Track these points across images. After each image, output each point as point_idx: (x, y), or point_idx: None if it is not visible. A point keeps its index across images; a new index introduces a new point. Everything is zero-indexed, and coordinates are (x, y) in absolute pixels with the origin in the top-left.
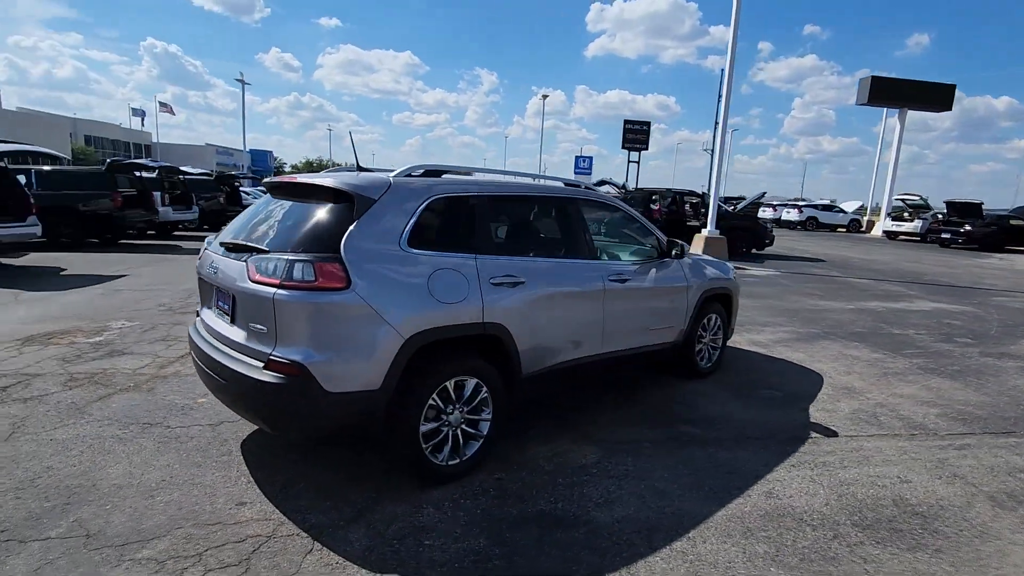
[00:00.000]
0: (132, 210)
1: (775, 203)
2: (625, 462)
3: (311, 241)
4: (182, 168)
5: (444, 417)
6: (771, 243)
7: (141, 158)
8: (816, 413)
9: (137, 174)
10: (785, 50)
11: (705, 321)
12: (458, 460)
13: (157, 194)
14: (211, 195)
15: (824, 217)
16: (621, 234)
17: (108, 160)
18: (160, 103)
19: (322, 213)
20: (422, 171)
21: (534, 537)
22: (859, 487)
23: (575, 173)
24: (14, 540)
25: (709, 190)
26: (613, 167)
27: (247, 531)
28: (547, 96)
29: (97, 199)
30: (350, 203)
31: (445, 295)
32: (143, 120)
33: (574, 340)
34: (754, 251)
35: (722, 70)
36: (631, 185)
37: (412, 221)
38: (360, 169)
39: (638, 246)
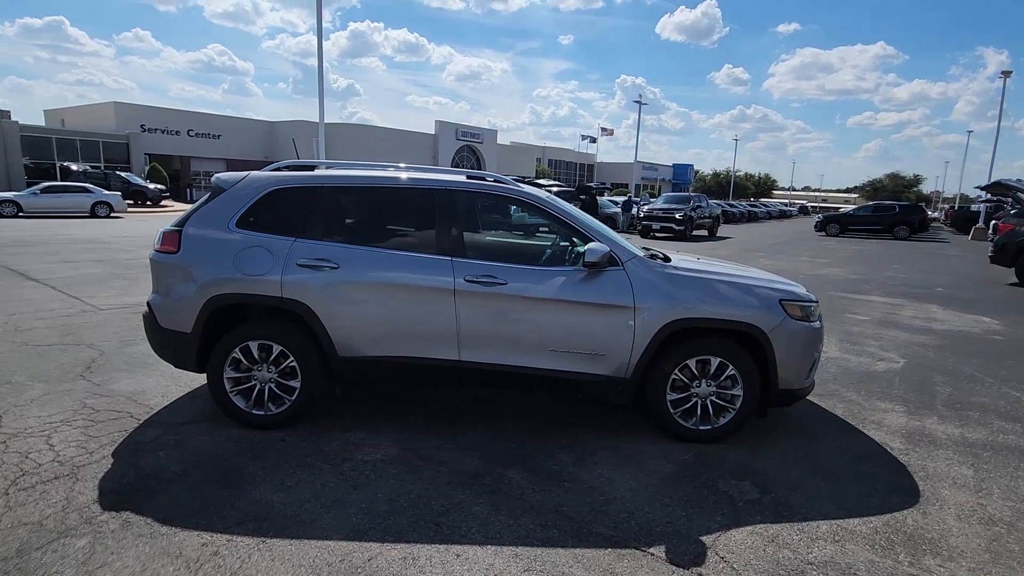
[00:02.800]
0: None
1: None
2: (384, 471)
3: (184, 218)
4: (538, 182)
5: (252, 371)
6: None
7: (587, 177)
8: (741, 537)
9: None
10: None
11: (697, 364)
12: (263, 413)
13: None
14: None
15: None
16: (560, 234)
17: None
18: (602, 128)
19: (207, 199)
20: (287, 166)
21: (197, 481)
22: None
23: None
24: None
25: None
26: None
27: (124, 408)
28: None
29: None
30: (212, 191)
31: (247, 269)
32: (593, 143)
33: (413, 337)
34: None
35: None
36: None
37: (245, 207)
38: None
39: (569, 250)
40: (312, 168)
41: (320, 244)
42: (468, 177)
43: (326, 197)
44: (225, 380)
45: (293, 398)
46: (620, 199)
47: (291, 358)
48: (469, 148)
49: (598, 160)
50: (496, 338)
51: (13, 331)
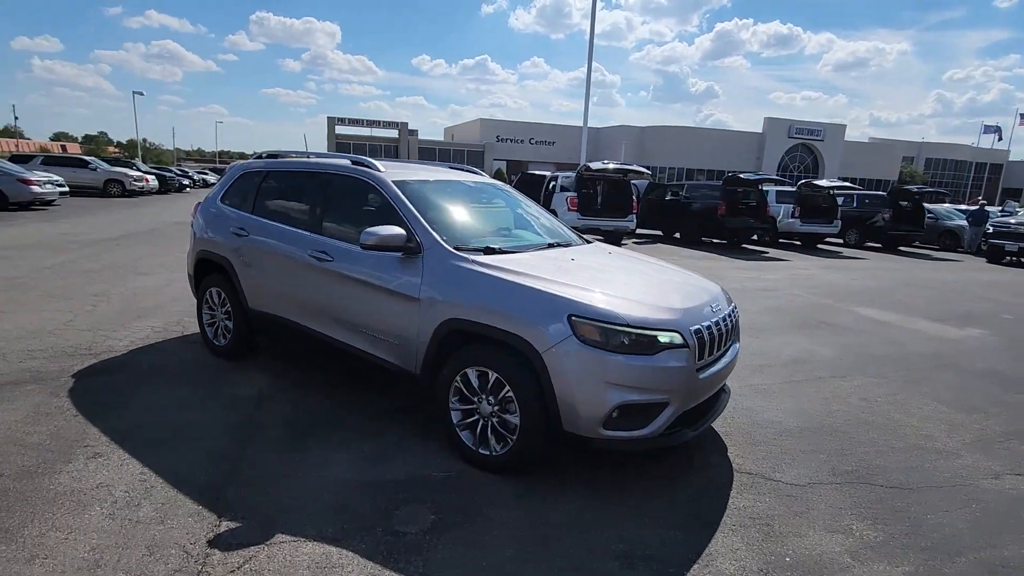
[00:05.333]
0: (739, 218)
1: None
2: (216, 403)
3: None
4: (819, 183)
5: (214, 311)
6: None
7: (992, 181)
8: (308, 549)
9: (762, 188)
10: None
11: (477, 376)
12: (218, 343)
13: (787, 207)
14: (876, 211)
15: None
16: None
17: (727, 175)
18: (1022, 115)
19: (217, 180)
20: (266, 154)
21: (134, 377)
22: None
23: None
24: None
25: None
26: None
27: (186, 327)
28: None
29: (707, 207)
30: (220, 175)
31: (214, 232)
32: (1000, 136)
33: (282, 299)
34: None
35: None
36: None
37: (227, 187)
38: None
39: None
40: (277, 157)
41: (244, 215)
42: (352, 163)
43: (261, 179)
44: (202, 314)
45: (231, 336)
46: (973, 208)
47: (228, 304)
48: (804, 146)
49: (1010, 159)
50: (325, 311)
51: None
